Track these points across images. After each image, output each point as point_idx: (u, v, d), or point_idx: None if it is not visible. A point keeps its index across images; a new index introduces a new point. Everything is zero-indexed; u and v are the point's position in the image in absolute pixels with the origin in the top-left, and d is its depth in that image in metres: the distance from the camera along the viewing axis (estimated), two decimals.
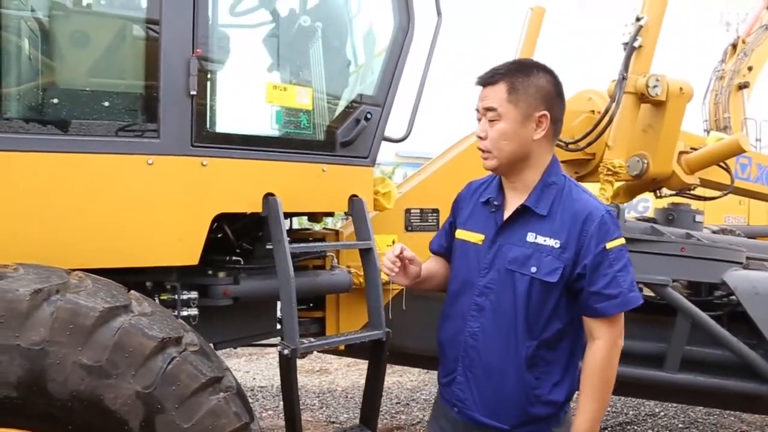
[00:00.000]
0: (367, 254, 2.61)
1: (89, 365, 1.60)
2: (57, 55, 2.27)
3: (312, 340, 2.52)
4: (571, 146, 3.46)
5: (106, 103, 2.24)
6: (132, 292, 1.88)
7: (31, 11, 2.29)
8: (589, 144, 3.39)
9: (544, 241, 1.68)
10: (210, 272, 2.53)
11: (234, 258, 2.61)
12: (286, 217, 3.05)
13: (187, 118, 2.23)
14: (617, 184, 3.76)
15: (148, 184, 2.18)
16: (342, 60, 2.89)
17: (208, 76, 2.35)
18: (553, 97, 1.71)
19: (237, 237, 2.70)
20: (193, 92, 2.21)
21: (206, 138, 2.30)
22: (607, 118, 3.27)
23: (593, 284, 1.65)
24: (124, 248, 2.16)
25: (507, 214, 1.76)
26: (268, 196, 2.41)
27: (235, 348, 3.88)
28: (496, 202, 1.79)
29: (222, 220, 2.51)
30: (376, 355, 2.61)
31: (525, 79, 1.69)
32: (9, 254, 1.92)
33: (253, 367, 5.68)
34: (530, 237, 1.69)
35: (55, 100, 2.20)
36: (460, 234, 1.86)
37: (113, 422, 1.62)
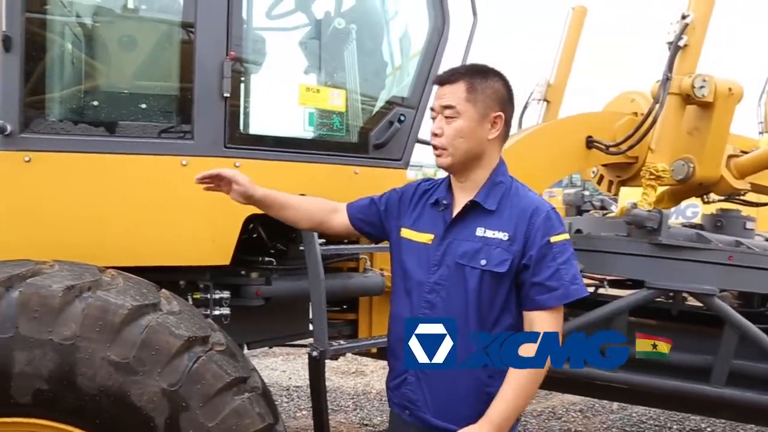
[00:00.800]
0: None
1: (117, 361, 1.63)
2: (97, 59, 2.34)
3: (342, 342, 2.51)
4: (612, 149, 3.36)
5: (143, 106, 2.30)
6: (162, 290, 1.92)
7: (75, 17, 2.36)
8: (631, 147, 3.29)
9: (493, 234, 1.69)
10: (243, 272, 2.56)
11: (267, 259, 2.63)
12: None
13: (220, 119, 2.26)
14: (661, 189, 3.63)
15: (183, 184, 2.22)
16: (376, 62, 2.88)
17: (242, 78, 2.38)
18: (507, 101, 1.77)
19: (271, 238, 2.72)
20: (227, 94, 2.24)
21: (239, 139, 2.32)
22: (650, 120, 3.16)
23: (536, 275, 1.66)
24: (158, 247, 2.20)
25: (456, 212, 1.78)
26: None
27: (270, 347, 3.91)
28: (445, 201, 1.81)
29: (256, 221, 2.53)
30: None
31: (483, 80, 1.73)
32: (48, 251, 1.99)
33: (290, 367, 5.72)
34: (479, 231, 1.71)
35: (95, 103, 2.27)
36: (407, 233, 1.85)
37: (139, 418, 1.65)
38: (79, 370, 1.60)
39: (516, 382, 1.62)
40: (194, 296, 2.39)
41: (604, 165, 3.79)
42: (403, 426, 1.81)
